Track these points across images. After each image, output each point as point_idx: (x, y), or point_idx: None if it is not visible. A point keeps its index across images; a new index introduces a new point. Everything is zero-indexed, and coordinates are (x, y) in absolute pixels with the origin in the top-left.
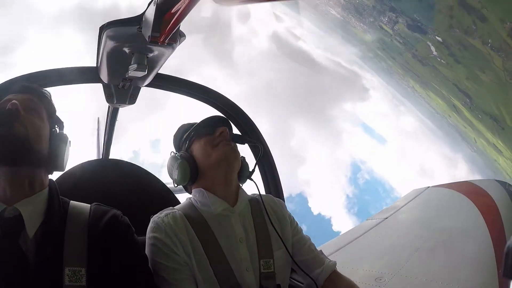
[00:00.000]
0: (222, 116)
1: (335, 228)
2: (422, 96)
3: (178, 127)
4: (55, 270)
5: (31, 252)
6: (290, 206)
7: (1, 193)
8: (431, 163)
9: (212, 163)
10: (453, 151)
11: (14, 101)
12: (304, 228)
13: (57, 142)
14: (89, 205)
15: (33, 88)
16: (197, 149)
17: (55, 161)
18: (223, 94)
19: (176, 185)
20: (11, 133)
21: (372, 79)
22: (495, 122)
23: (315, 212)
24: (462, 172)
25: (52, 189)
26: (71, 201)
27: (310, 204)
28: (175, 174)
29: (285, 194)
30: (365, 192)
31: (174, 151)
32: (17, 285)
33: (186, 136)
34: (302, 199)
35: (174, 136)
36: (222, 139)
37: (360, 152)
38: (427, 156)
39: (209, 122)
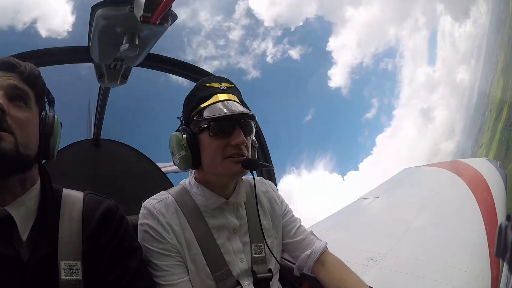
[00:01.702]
0: (246, 113)
1: (329, 73)
2: (494, 75)
3: (196, 85)
4: (50, 265)
5: (26, 251)
6: (313, 25)
7: None
8: (436, 117)
9: (216, 173)
10: (459, 130)
11: None
12: (306, 50)
13: (48, 131)
14: (82, 193)
15: (18, 65)
16: (206, 146)
17: (46, 153)
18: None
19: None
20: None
21: (481, 15)
22: (506, 154)
23: (327, 49)
24: (446, 148)
25: (44, 180)
26: (64, 190)
27: (330, 39)
28: (176, 160)
29: (320, 13)
30: (376, 75)
31: (182, 118)
32: (13, 284)
33: (198, 120)
34: (326, 29)
35: (188, 98)
36: (235, 153)
37: (405, 47)
38: (441, 111)
39: (228, 118)
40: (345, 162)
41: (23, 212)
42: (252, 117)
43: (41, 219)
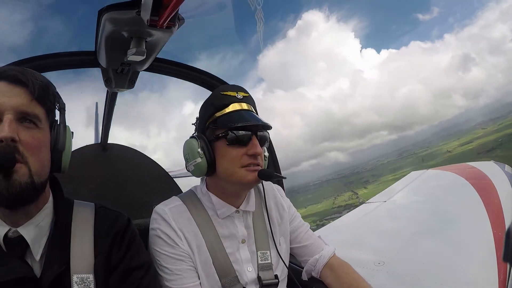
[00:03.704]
0: (263, 124)
1: None
2: None
3: (213, 93)
4: (63, 280)
5: (39, 268)
6: None
7: (5, 217)
8: (472, 72)
9: (231, 181)
10: (481, 102)
11: (5, 128)
12: None
13: (61, 147)
14: (94, 206)
15: (26, 81)
16: (222, 155)
17: (58, 168)
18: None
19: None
20: (11, 191)
21: None
22: (488, 151)
23: None
24: (456, 100)
25: (56, 194)
26: (75, 202)
27: None
28: (191, 167)
29: None
30: None
31: (197, 125)
32: None
33: (215, 128)
34: None
35: (204, 105)
36: (251, 163)
37: None
38: (481, 73)
39: (246, 128)
40: (373, 39)
41: (36, 232)
42: (268, 128)
43: (54, 237)
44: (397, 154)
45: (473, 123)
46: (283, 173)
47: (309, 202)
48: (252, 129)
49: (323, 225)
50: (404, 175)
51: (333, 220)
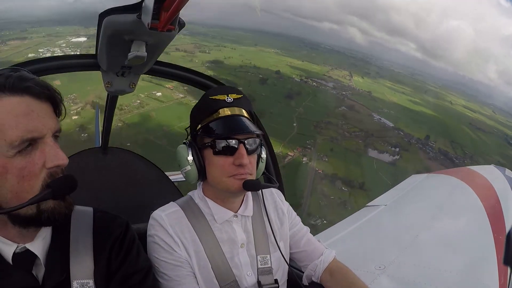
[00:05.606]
0: (249, 132)
1: None
2: None
3: (202, 97)
4: (64, 287)
5: (41, 277)
6: None
7: (16, 236)
8: None
9: (220, 188)
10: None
11: (61, 154)
12: None
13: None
14: (92, 210)
15: (53, 97)
16: (210, 163)
17: None
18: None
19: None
20: (69, 209)
21: None
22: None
23: None
24: (489, 70)
25: None
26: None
27: None
28: (183, 173)
29: None
30: None
31: (189, 130)
32: None
33: (202, 136)
34: None
35: (194, 110)
36: (237, 173)
37: None
38: None
39: (231, 137)
40: None
41: (43, 244)
42: (256, 136)
43: (54, 246)
44: (410, 72)
45: (490, 100)
46: (300, 19)
47: (308, 59)
48: (239, 138)
49: (306, 82)
50: (400, 91)
51: (316, 84)
